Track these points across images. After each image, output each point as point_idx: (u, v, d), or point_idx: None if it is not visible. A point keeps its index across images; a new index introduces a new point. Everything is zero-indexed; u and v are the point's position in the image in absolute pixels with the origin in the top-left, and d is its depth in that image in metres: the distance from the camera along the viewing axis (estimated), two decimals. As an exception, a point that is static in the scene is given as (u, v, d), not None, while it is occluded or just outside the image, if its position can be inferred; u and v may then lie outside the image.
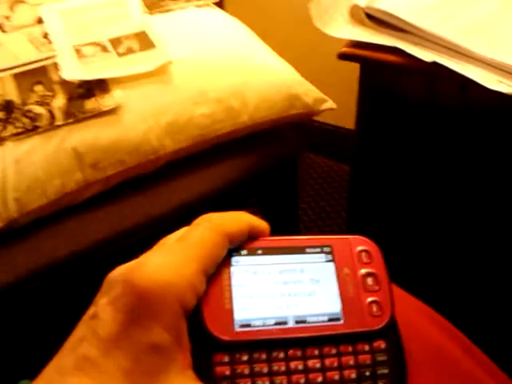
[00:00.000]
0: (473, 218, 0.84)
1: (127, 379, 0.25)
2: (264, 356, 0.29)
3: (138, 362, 0.26)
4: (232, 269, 0.31)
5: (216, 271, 0.31)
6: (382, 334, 0.31)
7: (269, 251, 0.32)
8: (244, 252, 0.32)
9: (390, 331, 0.31)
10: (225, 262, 0.31)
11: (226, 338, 0.29)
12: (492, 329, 0.90)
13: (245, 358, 0.29)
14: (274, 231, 0.33)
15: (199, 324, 0.29)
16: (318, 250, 0.33)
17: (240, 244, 0.32)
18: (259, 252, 0.32)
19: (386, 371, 0.30)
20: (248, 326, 0.30)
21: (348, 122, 1.62)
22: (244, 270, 0.31)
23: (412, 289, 0.44)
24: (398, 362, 0.31)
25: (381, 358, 0.30)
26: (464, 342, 0.40)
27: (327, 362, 0.30)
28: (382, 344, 0.31)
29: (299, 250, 0.33)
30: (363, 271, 0.32)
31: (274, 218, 1.04)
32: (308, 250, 0.33)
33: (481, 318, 0.91)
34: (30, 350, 0.83)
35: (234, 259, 0.32)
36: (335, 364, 0.30)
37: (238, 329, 0.30)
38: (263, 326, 0.30)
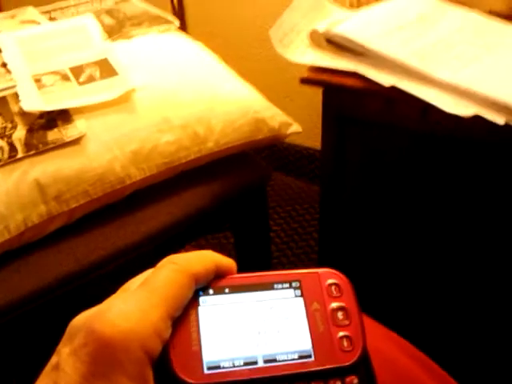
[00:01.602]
0: (443, 241, 0.84)
1: None
2: None
3: None
4: (199, 309, 0.31)
5: (183, 312, 0.30)
6: (353, 369, 0.30)
7: (236, 289, 0.32)
8: (211, 291, 0.31)
9: (362, 365, 0.31)
10: (192, 303, 0.30)
11: (194, 381, 0.29)
12: (462, 356, 0.90)
13: None
14: (247, 255, 0.32)
15: (167, 367, 0.29)
16: (287, 285, 0.32)
17: (207, 283, 0.31)
18: (226, 290, 0.31)
19: None
20: (217, 367, 0.29)
21: (317, 142, 1.64)
22: (211, 310, 0.31)
23: (382, 315, 0.44)
24: None
25: None
26: (433, 367, 0.40)
27: None
28: (354, 379, 0.30)
29: (267, 286, 0.32)
30: (333, 305, 0.32)
31: (245, 243, 1.04)
32: (276, 286, 0.32)
33: (450, 344, 0.91)
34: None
35: (201, 299, 0.31)
36: None
37: (206, 371, 0.29)
38: (232, 366, 0.29)
